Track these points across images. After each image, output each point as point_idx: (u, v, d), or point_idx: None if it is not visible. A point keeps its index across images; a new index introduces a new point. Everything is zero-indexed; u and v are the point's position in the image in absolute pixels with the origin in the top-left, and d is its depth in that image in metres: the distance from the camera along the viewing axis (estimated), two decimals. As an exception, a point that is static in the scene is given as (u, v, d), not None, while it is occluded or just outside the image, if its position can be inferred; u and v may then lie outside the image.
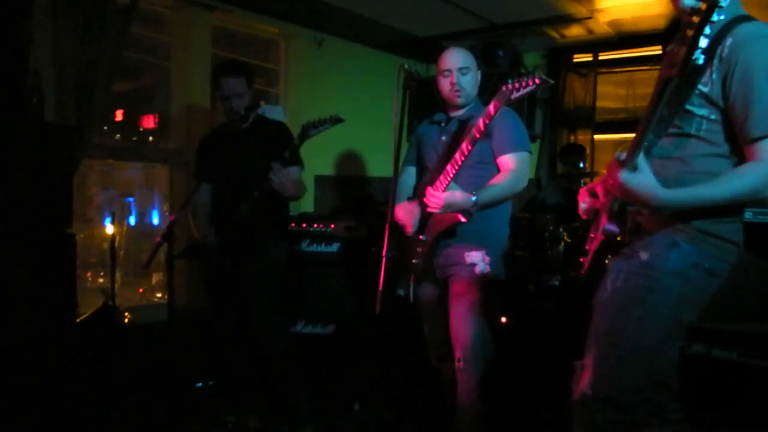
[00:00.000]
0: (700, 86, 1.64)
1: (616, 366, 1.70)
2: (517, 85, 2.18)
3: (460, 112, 2.74)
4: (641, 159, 1.55)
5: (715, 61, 1.61)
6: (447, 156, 2.59)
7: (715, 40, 1.60)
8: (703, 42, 1.36)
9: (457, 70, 2.67)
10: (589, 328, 1.82)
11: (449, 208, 2.40)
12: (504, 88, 2.22)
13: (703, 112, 1.66)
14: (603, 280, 1.80)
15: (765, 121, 1.55)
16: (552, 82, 2.15)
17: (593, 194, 2.03)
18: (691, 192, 1.59)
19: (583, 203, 2.05)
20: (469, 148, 2.39)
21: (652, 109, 1.52)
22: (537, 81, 2.12)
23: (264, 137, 3.15)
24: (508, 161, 2.58)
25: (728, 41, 1.59)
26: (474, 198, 2.40)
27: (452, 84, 2.67)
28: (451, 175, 2.46)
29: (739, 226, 1.75)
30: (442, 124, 2.78)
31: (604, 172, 5.08)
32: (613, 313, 1.74)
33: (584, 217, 2.09)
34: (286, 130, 3.25)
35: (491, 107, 2.27)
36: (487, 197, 2.46)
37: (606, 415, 1.70)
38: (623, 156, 1.57)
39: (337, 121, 2.93)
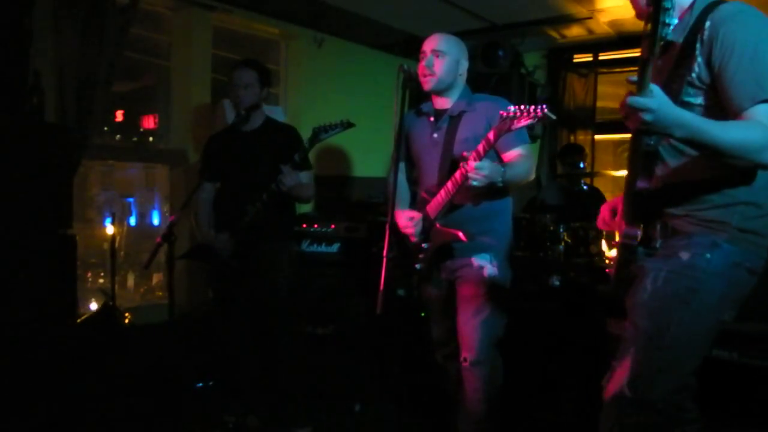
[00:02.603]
0: (691, 74, 1.65)
1: (657, 367, 1.68)
2: (518, 113, 2.12)
3: (447, 105, 2.67)
4: (657, 88, 1.49)
5: (698, 45, 1.64)
6: (444, 162, 2.59)
7: (695, 28, 1.65)
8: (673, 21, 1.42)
9: (431, 52, 2.59)
10: (625, 328, 1.79)
11: (489, 177, 2.31)
12: (504, 114, 2.17)
13: (699, 100, 1.67)
14: (640, 280, 1.76)
15: (751, 91, 1.57)
16: (554, 118, 2.10)
17: (615, 213, 2.02)
18: (704, 122, 1.55)
19: (603, 223, 2.05)
20: (460, 181, 2.39)
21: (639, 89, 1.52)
22: (539, 113, 2.06)
23: (273, 140, 3.15)
24: (517, 152, 2.55)
25: (707, 24, 1.63)
26: (503, 170, 2.39)
27: (421, 67, 2.59)
28: (452, 192, 2.46)
29: None
30: (432, 119, 2.70)
31: (606, 172, 5.07)
32: (655, 314, 1.70)
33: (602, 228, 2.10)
34: (295, 133, 3.25)
35: (491, 135, 2.24)
36: (511, 174, 2.44)
37: (639, 417, 1.68)
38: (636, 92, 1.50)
39: (348, 125, 2.93)
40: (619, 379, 1.72)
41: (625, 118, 1.54)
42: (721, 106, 1.65)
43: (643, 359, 1.69)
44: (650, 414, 1.68)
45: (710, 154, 1.58)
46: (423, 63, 2.59)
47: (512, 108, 2.14)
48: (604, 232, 3.76)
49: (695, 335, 1.69)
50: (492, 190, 2.58)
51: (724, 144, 1.53)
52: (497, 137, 2.22)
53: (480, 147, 2.28)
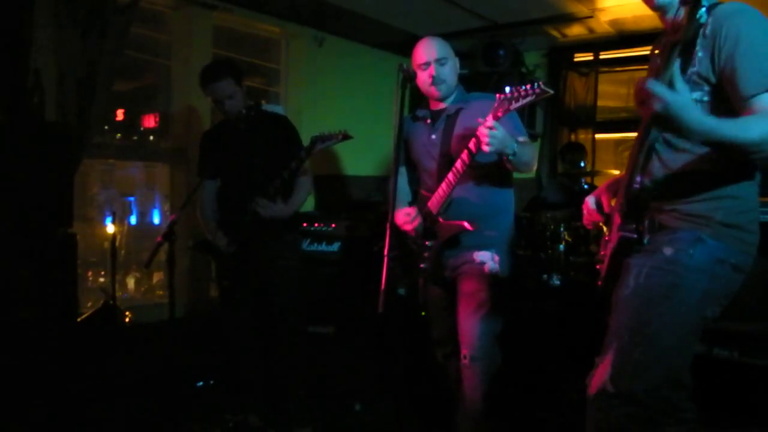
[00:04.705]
0: (687, 70, 1.66)
1: (639, 362, 1.69)
2: (516, 93, 2.11)
3: (444, 105, 2.68)
4: (681, 81, 1.50)
5: (699, 39, 1.65)
6: (443, 160, 2.58)
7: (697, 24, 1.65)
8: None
9: (435, 61, 2.59)
10: (608, 325, 1.80)
11: (503, 142, 2.26)
12: (500, 96, 2.16)
13: (696, 95, 1.67)
14: (624, 276, 1.78)
15: (756, 80, 1.58)
16: (552, 92, 2.07)
17: (599, 205, 2.02)
18: (721, 123, 1.53)
19: (588, 215, 2.05)
20: (467, 162, 2.37)
21: (665, 65, 1.52)
22: (537, 90, 2.04)
23: (265, 129, 3.15)
24: (520, 140, 2.53)
25: (709, 20, 1.65)
26: (515, 145, 2.32)
27: (431, 77, 2.58)
28: (453, 183, 2.45)
29: (758, 216, 1.75)
30: (428, 121, 2.71)
31: (607, 171, 5.05)
32: (636, 309, 1.72)
33: (590, 227, 2.08)
34: (285, 121, 3.25)
35: (490, 117, 2.23)
36: (522, 151, 2.37)
37: (624, 411, 1.69)
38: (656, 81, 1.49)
39: (345, 137, 2.92)
40: (601, 374, 1.74)
41: (641, 103, 1.51)
42: (718, 101, 1.66)
43: (625, 354, 1.71)
44: (635, 407, 1.69)
45: (726, 152, 1.58)
46: (432, 74, 2.58)
47: (509, 89, 2.14)
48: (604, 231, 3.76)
49: (677, 330, 1.69)
50: (495, 182, 2.58)
51: (740, 142, 1.51)
52: (496, 119, 2.21)
53: (484, 122, 2.25)
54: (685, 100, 1.48)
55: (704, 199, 1.70)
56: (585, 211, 2.08)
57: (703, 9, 1.47)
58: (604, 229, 2.03)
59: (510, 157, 2.34)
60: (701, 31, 1.65)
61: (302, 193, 3.17)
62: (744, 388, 3.03)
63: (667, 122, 1.49)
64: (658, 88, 1.45)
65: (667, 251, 1.71)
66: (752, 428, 2.90)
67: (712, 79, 1.66)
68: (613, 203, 1.96)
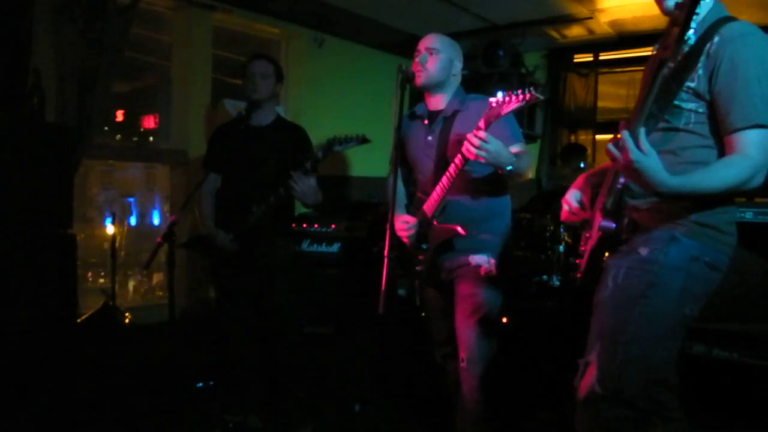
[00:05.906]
0: (687, 82, 1.67)
1: (622, 362, 1.70)
2: (507, 98, 2.10)
3: (441, 106, 2.66)
4: (647, 144, 1.55)
5: (702, 57, 1.66)
6: (439, 162, 2.58)
7: (703, 38, 1.66)
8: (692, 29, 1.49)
9: (426, 49, 2.59)
10: (590, 326, 1.82)
11: (497, 154, 2.22)
12: (492, 101, 2.16)
13: (691, 106, 1.69)
14: (603, 278, 1.80)
15: (746, 113, 1.59)
16: (543, 98, 2.07)
17: (581, 203, 2.02)
18: (688, 180, 1.60)
19: (568, 208, 2.05)
20: (460, 167, 2.36)
21: (647, 90, 1.57)
22: (528, 97, 2.03)
23: (281, 139, 3.14)
24: (516, 149, 2.47)
25: (715, 39, 1.65)
26: (512, 159, 2.29)
27: (415, 63, 2.59)
28: (447, 187, 2.45)
29: (734, 216, 1.77)
30: (425, 122, 2.70)
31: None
32: (616, 310, 1.74)
33: (567, 222, 2.10)
34: (303, 134, 3.25)
35: (481, 123, 2.23)
36: (518, 164, 2.35)
37: (613, 412, 1.71)
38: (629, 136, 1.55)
39: (363, 140, 2.90)
40: (589, 377, 1.76)
41: (612, 159, 1.60)
42: (713, 114, 1.67)
43: (609, 355, 1.73)
44: (625, 409, 1.70)
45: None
46: (417, 59, 2.60)
47: (501, 93, 2.14)
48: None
49: (657, 328, 1.71)
50: (491, 186, 2.58)
51: (711, 191, 1.61)
52: (488, 124, 2.20)
53: (474, 131, 2.23)
54: (651, 162, 1.54)
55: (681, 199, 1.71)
56: (565, 205, 2.06)
57: (691, 32, 1.49)
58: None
59: (506, 168, 2.31)
60: (706, 47, 1.65)
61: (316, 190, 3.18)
62: (744, 388, 3.04)
63: (633, 177, 1.58)
64: (630, 144, 1.51)
65: (643, 251, 1.73)
66: (752, 429, 2.90)
67: (707, 97, 1.68)
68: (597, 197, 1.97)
